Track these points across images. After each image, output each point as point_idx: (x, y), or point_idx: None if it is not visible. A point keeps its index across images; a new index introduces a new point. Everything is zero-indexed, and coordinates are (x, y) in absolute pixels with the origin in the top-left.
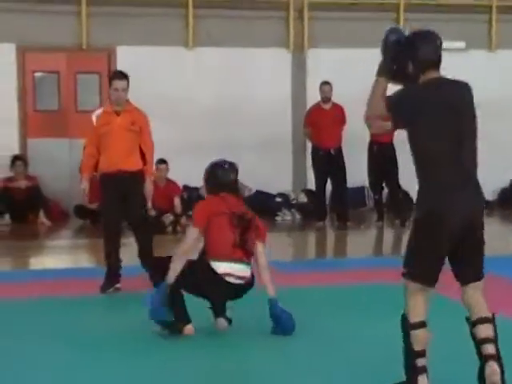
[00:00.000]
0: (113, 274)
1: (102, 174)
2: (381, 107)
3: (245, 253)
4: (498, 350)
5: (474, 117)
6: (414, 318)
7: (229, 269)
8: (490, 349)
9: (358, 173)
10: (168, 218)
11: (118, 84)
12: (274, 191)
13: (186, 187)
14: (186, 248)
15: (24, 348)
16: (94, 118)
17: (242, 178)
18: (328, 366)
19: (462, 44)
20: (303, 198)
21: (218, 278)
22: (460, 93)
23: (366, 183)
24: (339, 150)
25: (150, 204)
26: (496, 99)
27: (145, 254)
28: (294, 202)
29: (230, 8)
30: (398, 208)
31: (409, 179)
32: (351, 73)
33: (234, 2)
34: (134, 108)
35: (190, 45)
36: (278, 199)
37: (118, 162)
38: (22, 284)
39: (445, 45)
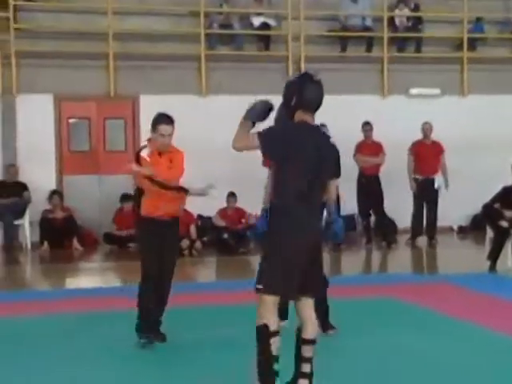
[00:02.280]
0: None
1: (144, 218)
2: (247, 142)
3: None
4: (312, 368)
5: (330, 166)
6: (272, 327)
7: None
8: (307, 368)
9: (349, 201)
10: (185, 242)
11: (165, 129)
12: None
13: (199, 216)
14: None
15: (62, 357)
16: (146, 157)
17: (253, 208)
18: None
19: (437, 90)
20: None
21: None
22: (324, 142)
23: (356, 210)
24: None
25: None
26: (468, 138)
27: (167, 276)
28: None
29: (238, 61)
30: (384, 232)
31: (393, 207)
32: (340, 116)
33: (240, 56)
34: (172, 149)
35: (204, 93)
36: None
37: (162, 207)
38: (59, 301)
39: (423, 91)
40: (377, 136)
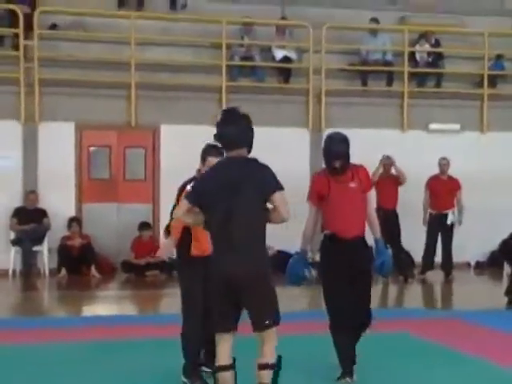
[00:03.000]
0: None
1: (193, 257)
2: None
3: None
4: None
5: (256, 194)
6: (220, 362)
7: None
8: None
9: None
10: None
11: (215, 162)
12: (291, 250)
13: None
14: None
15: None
16: None
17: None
18: None
19: (457, 126)
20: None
21: None
22: (245, 171)
23: (373, 243)
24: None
25: None
26: (486, 174)
27: None
28: (310, 261)
29: (258, 93)
30: (400, 266)
31: (409, 241)
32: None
33: (261, 89)
34: None
35: None
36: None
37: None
38: (76, 328)
39: (442, 127)
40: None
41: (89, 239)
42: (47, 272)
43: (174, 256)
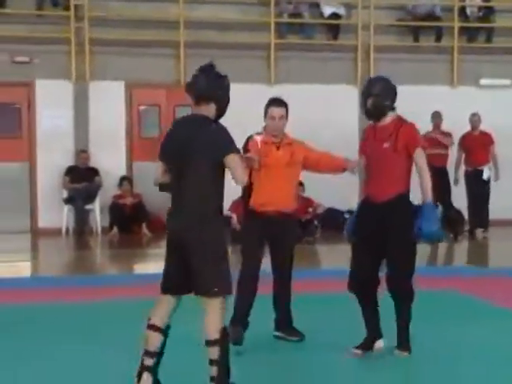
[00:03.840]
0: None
1: (251, 211)
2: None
3: None
4: (220, 370)
5: (207, 155)
6: (153, 321)
7: None
8: (213, 371)
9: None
10: None
11: (275, 111)
12: (343, 208)
13: None
14: None
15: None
16: (258, 143)
17: (316, 195)
18: None
19: (507, 81)
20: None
21: None
22: (199, 132)
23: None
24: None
25: None
26: None
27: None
28: None
29: (307, 50)
30: (451, 224)
31: (460, 198)
32: (409, 106)
33: (310, 46)
34: (293, 140)
35: (272, 82)
36: (346, 215)
37: (275, 202)
38: (128, 286)
39: (493, 82)
40: (446, 126)
41: (140, 197)
42: (99, 230)
43: None
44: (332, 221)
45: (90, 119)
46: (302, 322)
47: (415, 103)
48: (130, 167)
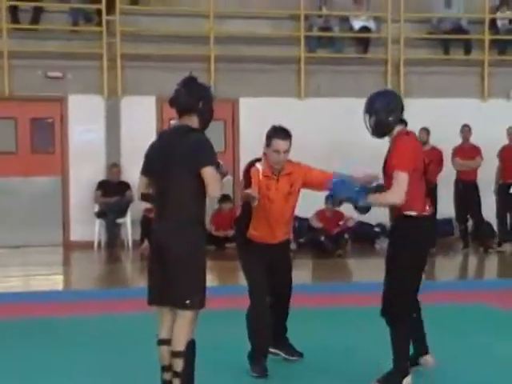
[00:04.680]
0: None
1: (250, 239)
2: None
3: None
4: (182, 383)
5: (186, 167)
6: (160, 336)
7: None
8: (175, 383)
9: (446, 206)
10: None
11: (280, 145)
12: (373, 222)
13: (296, 217)
14: None
15: None
16: (260, 174)
17: (347, 209)
18: None
19: None
20: None
21: None
22: (181, 143)
23: (453, 215)
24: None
25: None
26: None
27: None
28: None
29: (337, 64)
30: (481, 237)
31: (491, 211)
32: (439, 119)
33: (339, 59)
34: (291, 166)
35: (302, 96)
36: (376, 229)
37: (273, 237)
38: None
39: None
40: (476, 139)
41: None
42: (130, 243)
43: None
44: (362, 234)
45: (122, 134)
46: (328, 335)
47: (445, 116)
48: None
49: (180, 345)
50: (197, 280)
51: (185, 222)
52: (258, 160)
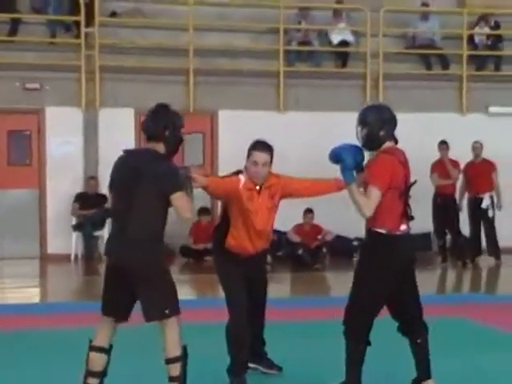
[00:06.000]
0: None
1: (227, 249)
2: None
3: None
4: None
5: (152, 190)
6: (97, 343)
7: None
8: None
9: (424, 221)
10: None
11: (259, 157)
12: (351, 236)
13: (274, 231)
14: None
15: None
16: (241, 185)
17: (325, 223)
18: None
19: None
20: None
21: None
22: (146, 166)
23: (432, 229)
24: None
25: None
26: None
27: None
28: None
29: (316, 78)
30: (459, 251)
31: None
32: (416, 134)
33: (318, 73)
34: (274, 180)
35: (281, 109)
36: (355, 243)
37: (252, 248)
38: (135, 312)
39: (502, 110)
40: (454, 154)
41: None
42: None
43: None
44: (340, 248)
45: (100, 146)
46: (306, 349)
47: (423, 130)
48: None
49: (176, 350)
50: (170, 290)
51: (150, 239)
52: (237, 173)
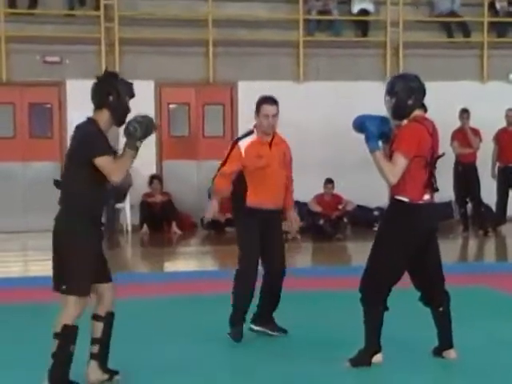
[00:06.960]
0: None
1: (248, 209)
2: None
3: None
4: (55, 364)
5: (74, 158)
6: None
7: None
8: (94, 349)
9: (445, 189)
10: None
11: (268, 109)
12: (372, 205)
13: (296, 202)
14: None
15: (161, 339)
16: (242, 150)
17: (346, 193)
18: None
19: None
20: None
21: None
22: (74, 136)
23: (453, 198)
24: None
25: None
26: None
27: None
28: None
29: (335, 47)
30: (480, 220)
31: (490, 194)
32: (438, 102)
33: (338, 43)
34: (282, 139)
35: (301, 79)
36: (376, 212)
37: (272, 200)
38: (157, 284)
39: None
40: (475, 122)
41: (169, 196)
42: (130, 228)
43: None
44: (361, 218)
45: None
46: (323, 317)
47: (444, 99)
48: (159, 166)
49: (57, 327)
50: (75, 267)
51: (69, 211)
52: (247, 135)
